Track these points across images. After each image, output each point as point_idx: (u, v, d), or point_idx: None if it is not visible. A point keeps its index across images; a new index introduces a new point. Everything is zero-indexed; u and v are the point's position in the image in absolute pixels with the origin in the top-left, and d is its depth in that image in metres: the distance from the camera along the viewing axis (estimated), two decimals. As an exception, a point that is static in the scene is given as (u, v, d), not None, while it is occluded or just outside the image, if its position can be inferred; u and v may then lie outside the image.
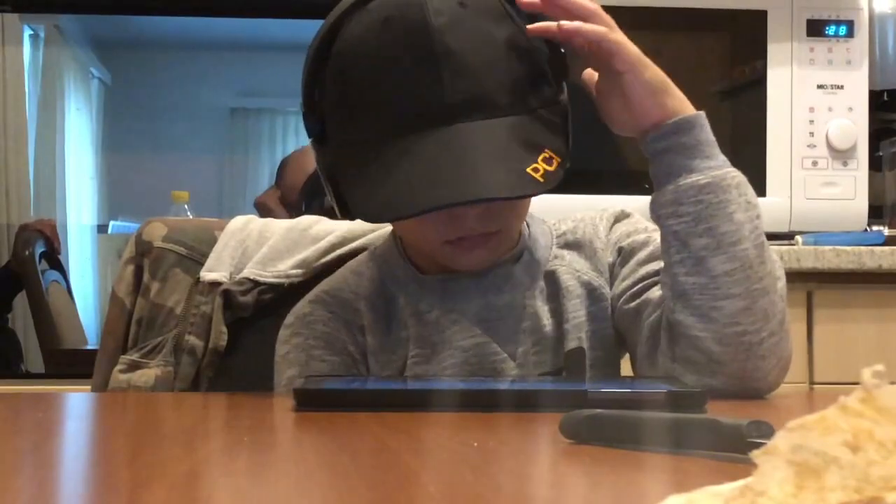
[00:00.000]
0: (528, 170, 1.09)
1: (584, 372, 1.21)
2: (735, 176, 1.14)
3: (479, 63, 1.12)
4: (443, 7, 1.12)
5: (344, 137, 1.16)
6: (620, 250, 1.27)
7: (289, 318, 1.27)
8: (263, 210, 2.91)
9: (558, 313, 1.24)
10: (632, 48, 1.16)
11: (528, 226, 1.29)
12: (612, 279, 1.27)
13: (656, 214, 1.16)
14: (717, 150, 1.15)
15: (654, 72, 1.18)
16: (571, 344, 1.22)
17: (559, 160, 1.13)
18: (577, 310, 1.24)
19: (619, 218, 1.31)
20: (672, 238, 1.13)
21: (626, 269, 1.25)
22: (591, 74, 1.21)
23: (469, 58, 1.11)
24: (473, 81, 1.11)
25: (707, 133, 1.16)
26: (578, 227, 1.30)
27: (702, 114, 1.17)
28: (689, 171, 1.13)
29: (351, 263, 1.33)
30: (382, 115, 1.12)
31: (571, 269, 1.26)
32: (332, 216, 1.37)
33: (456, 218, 1.15)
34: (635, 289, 1.23)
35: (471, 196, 1.08)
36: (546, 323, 1.23)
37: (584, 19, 1.15)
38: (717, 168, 1.14)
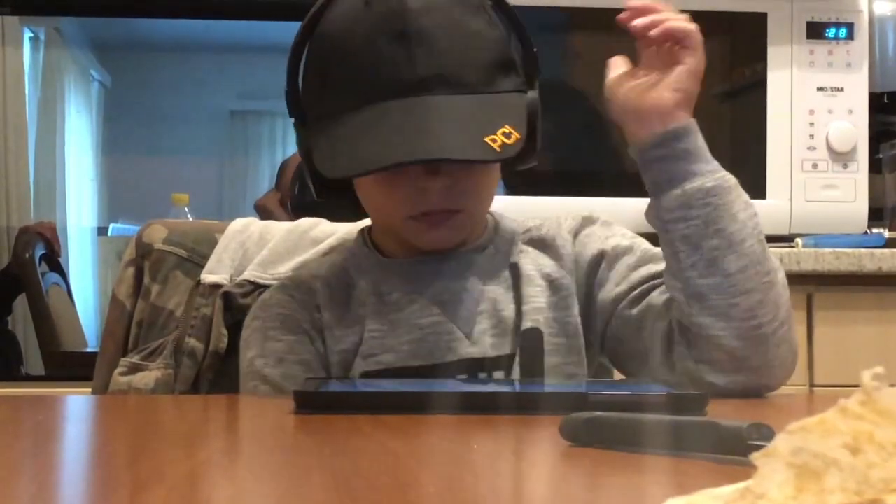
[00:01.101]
0: (486, 139, 1.14)
1: (540, 353, 1.23)
2: (730, 177, 1.19)
3: (449, 44, 1.18)
4: None
5: (320, 111, 1.22)
6: (603, 253, 1.28)
7: (253, 307, 1.32)
8: (263, 213, 2.91)
9: (518, 299, 1.26)
10: (702, 59, 1.26)
11: (496, 222, 1.32)
12: (590, 280, 1.28)
13: (660, 220, 1.17)
14: (710, 154, 1.19)
15: (695, 86, 1.26)
16: (528, 325, 1.24)
17: (518, 136, 1.16)
18: (536, 296, 1.26)
19: (589, 222, 1.33)
20: (681, 242, 1.15)
21: (615, 274, 1.26)
22: (615, 64, 1.24)
23: (440, 38, 1.17)
24: (443, 60, 1.17)
25: (701, 139, 1.20)
26: (543, 225, 1.33)
27: (693, 120, 1.21)
28: (693, 175, 1.16)
29: (319, 251, 1.39)
30: (355, 87, 1.18)
31: (535, 263, 1.28)
32: (326, 214, 1.39)
33: (421, 192, 1.18)
34: (634, 294, 1.23)
35: (426, 155, 1.13)
36: (505, 307, 1.25)
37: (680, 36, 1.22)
38: (717, 171, 1.18)
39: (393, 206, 1.22)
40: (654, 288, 1.22)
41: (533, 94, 1.23)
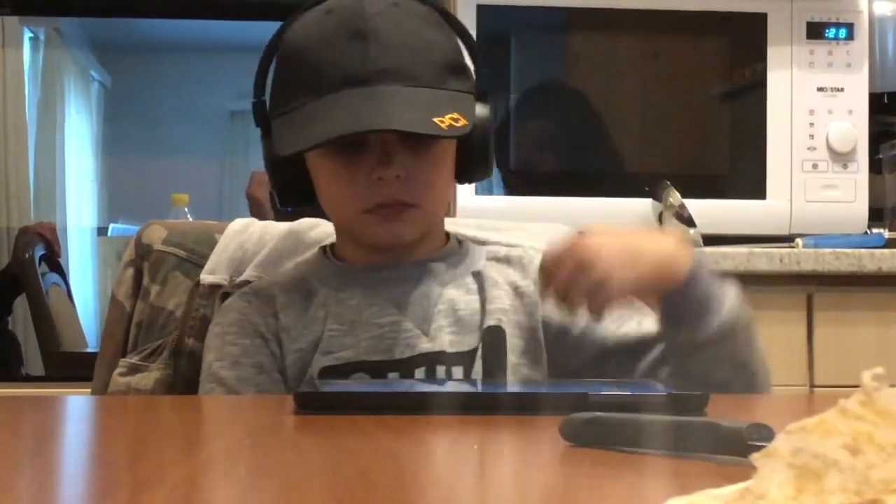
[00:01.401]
0: (435, 119, 1.19)
1: (502, 351, 1.25)
2: (735, 290, 1.24)
3: (403, 43, 1.24)
4: (379, 2, 1.25)
5: (282, 108, 1.27)
6: None
7: (215, 313, 1.35)
8: (253, 204, 2.91)
9: (482, 300, 1.28)
10: (629, 276, 1.16)
11: (458, 241, 1.36)
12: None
13: (693, 346, 1.19)
14: (718, 279, 1.22)
15: (643, 266, 1.17)
16: (490, 323, 1.26)
17: (466, 122, 1.21)
18: (500, 297, 1.28)
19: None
20: (713, 362, 1.19)
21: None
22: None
23: (395, 38, 1.23)
24: (397, 56, 1.23)
25: (708, 263, 1.23)
26: (514, 250, 1.35)
27: (696, 254, 1.22)
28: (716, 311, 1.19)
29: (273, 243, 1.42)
30: (314, 80, 1.23)
31: (500, 273, 1.31)
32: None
33: (375, 184, 1.22)
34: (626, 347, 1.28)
35: (373, 126, 1.19)
36: (464, 307, 1.27)
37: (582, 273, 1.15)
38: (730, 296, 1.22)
39: (349, 199, 1.25)
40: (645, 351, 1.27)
41: (483, 106, 1.27)
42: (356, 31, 1.23)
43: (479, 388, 1.16)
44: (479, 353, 1.25)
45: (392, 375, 1.22)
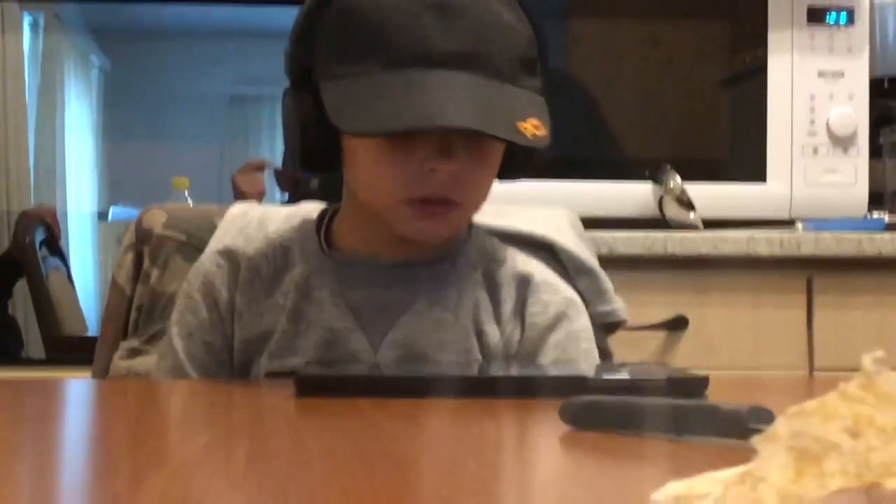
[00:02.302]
0: (518, 124, 1.11)
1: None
2: None
3: (485, 25, 1.14)
4: None
5: (337, 71, 1.16)
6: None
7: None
8: (235, 189, 2.92)
9: (449, 318, 1.22)
10: None
11: (469, 230, 1.28)
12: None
13: None
14: None
15: None
16: (447, 351, 1.20)
17: (546, 133, 1.14)
18: (466, 333, 1.21)
19: (565, 321, 1.26)
20: None
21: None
22: None
23: (476, 17, 1.14)
24: (478, 39, 1.13)
25: None
26: (508, 255, 1.28)
27: None
28: None
29: (274, 226, 1.34)
30: (382, 48, 1.13)
31: (473, 307, 1.23)
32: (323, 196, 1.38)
33: (427, 175, 1.14)
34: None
35: (461, 123, 1.09)
36: (426, 323, 1.21)
37: None
38: None
39: (393, 186, 1.16)
40: None
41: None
42: (438, 2, 1.12)
43: (479, 372, 1.16)
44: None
45: None
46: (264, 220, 1.44)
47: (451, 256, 1.25)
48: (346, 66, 1.15)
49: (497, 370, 1.20)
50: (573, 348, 1.24)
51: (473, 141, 1.15)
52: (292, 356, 1.19)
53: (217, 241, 1.43)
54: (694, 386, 0.97)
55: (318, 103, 1.16)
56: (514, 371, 1.17)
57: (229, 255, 1.27)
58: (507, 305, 1.24)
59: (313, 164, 1.24)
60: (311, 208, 1.45)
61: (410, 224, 1.17)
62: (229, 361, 1.24)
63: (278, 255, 1.26)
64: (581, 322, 1.26)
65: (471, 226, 1.29)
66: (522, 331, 1.24)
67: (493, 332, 1.23)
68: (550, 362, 1.23)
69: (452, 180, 1.14)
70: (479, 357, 1.21)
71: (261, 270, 1.25)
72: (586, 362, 1.24)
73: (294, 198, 1.46)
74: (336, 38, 1.17)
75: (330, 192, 1.33)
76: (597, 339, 1.29)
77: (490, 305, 1.24)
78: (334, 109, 1.14)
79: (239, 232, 1.43)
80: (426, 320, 1.21)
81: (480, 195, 1.21)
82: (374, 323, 1.20)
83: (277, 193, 2.89)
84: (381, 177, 1.17)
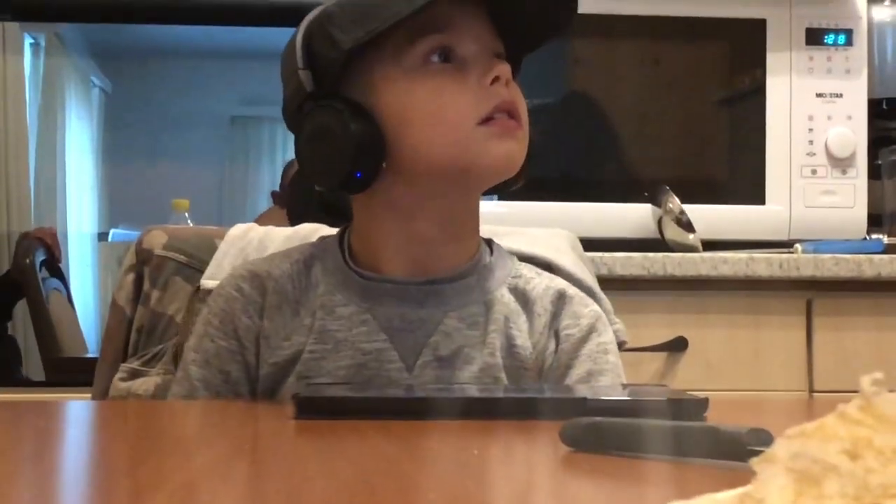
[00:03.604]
0: None
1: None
2: None
3: None
4: None
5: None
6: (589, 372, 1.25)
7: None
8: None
9: (478, 333, 1.21)
10: None
11: (491, 250, 1.27)
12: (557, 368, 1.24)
13: None
14: None
15: None
16: (474, 368, 1.20)
17: None
18: (494, 353, 1.21)
19: (594, 333, 1.26)
20: None
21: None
22: None
23: None
24: None
25: None
26: (533, 285, 1.27)
27: None
28: None
29: (294, 246, 1.32)
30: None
31: (506, 315, 1.23)
32: (325, 219, 1.38)
33: (489, 89, 1.15)
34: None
35: None
36: (458, 341, 1.20)
37: None
38: None
39: (462, 107, 1.15)
40: None
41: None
42: None
43: (479, 394, 1.15)
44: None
45: None
46: (264, 240, 1.45)
47: (474, 272, 1.24)
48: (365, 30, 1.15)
49: (522, 387, 1.19)
50: (602, 360, 1.24)
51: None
52: (320, 377, 1.18)
53: (217, 263, 1.43)
54: (693, 407, 0.97)
55: (346, 108, 1.16)
56: (514, 393, 1.17)
57: (252, 279, 1.24)
58: (542, 319, 1.24)
59: (357, 177, 1.19)
60: (311, 229, 1.45)
61: (491, 148, 1.16)
62: (248, 392, 1.22)
63: (302, 273, 1.24)
64: (608, 335, 1.27)
65: (490, 242, 1.29)
66: (557, 343, 1.24)
67: (525, 346, 1.22)
68: (583, 373, 1.22)
69: (512, 93, 1.17)
70: (503, 374, 1.20)
71: (287, 292, 1.22)
72: (614, 374, 1.24)
73: (293, 220, 1.46)
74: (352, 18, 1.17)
75: (332, 214, 1.33)
76: None
77: (524, 320, 1.23)
78: (336, 28, 1.15)
79: (239, 253, 1.43)
80: (458, 338, 1.20)
81: (527, 120, 1.20)
82: (407, 341, 1.19)
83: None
84: (448, 107, 1.16)
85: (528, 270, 1.28)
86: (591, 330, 1.25)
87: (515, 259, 1.30)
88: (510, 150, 1.16)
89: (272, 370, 1.20)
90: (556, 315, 1.25)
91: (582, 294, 1.28)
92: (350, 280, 1.22)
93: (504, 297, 1.24)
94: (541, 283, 1.26)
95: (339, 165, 1.16)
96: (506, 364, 1.21)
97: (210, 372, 1.22)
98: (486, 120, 1.15)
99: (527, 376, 1.21)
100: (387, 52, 1.17)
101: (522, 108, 1.18)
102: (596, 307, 1.28)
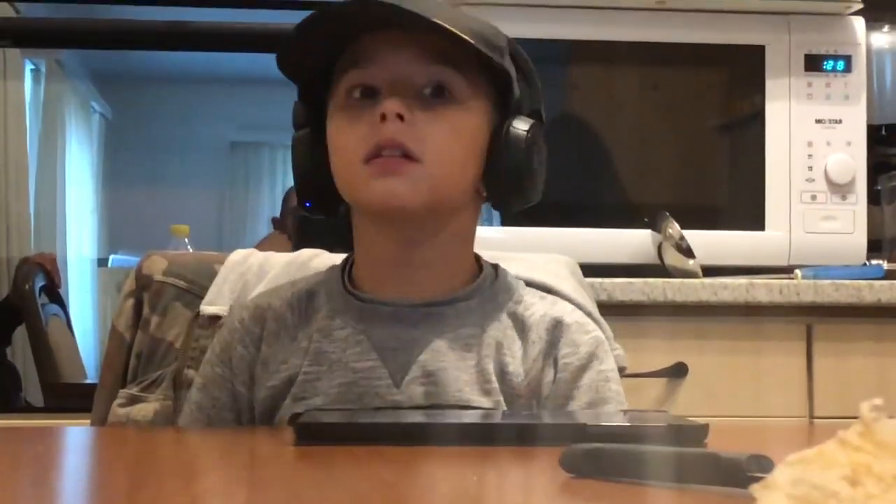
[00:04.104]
0: (466, 35, 1.14)
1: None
2: None
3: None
4: None
5: None
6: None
7: None
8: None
9: (469, 354, 1.21)
10: None
11: (495, 276, 1.27)
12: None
13: None
14: None
15: None
16: (462, 387, 1.19)
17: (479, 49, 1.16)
18: (488, 374, 1.20)
19: (595, 361, 1.26)
20: None
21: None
22: None
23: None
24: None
25: None
26: (535, 300, 1.27)
27: None
28: None
29: (306, 276, 1.34)
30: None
31: (503, 351, 1.22)
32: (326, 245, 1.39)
33: (379, 125, 1.15)
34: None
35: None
36: (448, 359, 1.20)
37: None
38: None
39: (350, 146, 1.17)
40: None
41: (525, 121, 1.21)
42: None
43: (479, 420, 1.15)
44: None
45: None
46: (264, 266, 1.45)
47: (475, 295, 1.24)
48: None
49: (521, 413, 1.19)
50: (604, 389, 1.24)
51: (428, 104, 1.17)
52: (315, 397, 1.19)
53: (217, 288, 1.43)
54: (694, 433, 0.97)
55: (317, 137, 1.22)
56: (514, 419, 1.17)
57: (254, 310, 1.27)
58: (537, 347, 1.24)
59: (316, 199, 1.26)
60: (311, 254, 1.45)
61: (372, 186, 1.16)
62: (232, 419, 1.24)
63: (303, 301, 1.26)
64: (609, 362, 1.26)
65: (496, 267, 1.29)
66: (555, 372, 1.24)
67: (517, 372, 1.22)
68: (584, 404, 1.22)
69: (405, 128, 1.15)
70: (500, 397, 1.20)
71: (286, 320, 1.25)
72: (616, 402, 1.23)
73: (295, 245, 1.46)
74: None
75: (333, 240, 1.34)
76: None
77: (519, 346, 1.23)
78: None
79: (239, 278, 1.43)
80: (448, 358, 1.20)
81: (444, 156, 1.18)
82: (396, 360, 1.20)
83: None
84: (342, 145, 1.19)
85: (530, 296, 1.28)
86: (591, 358, 1.24)
87: (523, 284, 1.30)
88: (389, 188, 1.16)
89: (270, 393, 1.22)
90: (552, 343, 1.24)
91: (583, 320, 1.28)
92: (349, 304, 1.24)
93: (502, 321, 1.24)
94: (539, 310, 1.26)
95: (297, 193, 1.26)
96: (501, 389, 1.21)
97: (205, 396, 1.26)
98: (372, 157, 1.16)
99: (518, 403, 1.21)
100: (332, 87, 1.22)
101: (422, 143, 1.16)
102: (598, 332, 1.28)
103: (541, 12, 2.23)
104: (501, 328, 1.23)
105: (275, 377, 1.22)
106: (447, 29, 1.13)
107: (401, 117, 1.15)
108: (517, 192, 1.23)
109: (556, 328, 1.25)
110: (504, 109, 1.23)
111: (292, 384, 1.21)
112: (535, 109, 1.25)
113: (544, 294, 1.30)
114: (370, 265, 1.26)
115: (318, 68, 1.22)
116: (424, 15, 1.12)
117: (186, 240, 2.73)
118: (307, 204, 1.26)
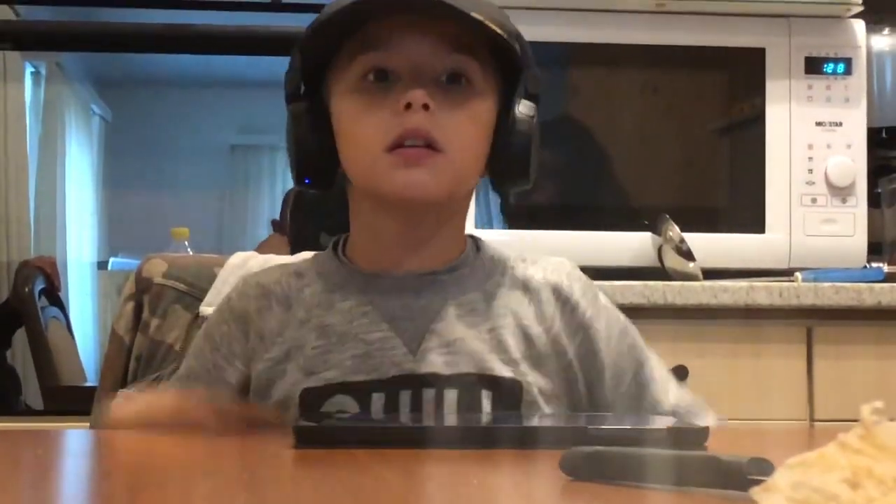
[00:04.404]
0: (488, 21, 1.14)
1: (517, 407, 1.19)
2: None
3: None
4: None
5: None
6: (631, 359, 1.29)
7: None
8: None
9: (481, 320, 1.22)
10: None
11: (477, 247, 1.28)
12: (593, 365, 1.26)
13: None
14: None
15: None
16: (507, 376, 1.20)
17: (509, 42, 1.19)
18: (505, 341, 1.22)
19: (585, 290, 1.29)
20: None
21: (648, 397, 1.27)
22: None
23: None
24: None
25: None
26: (528, 263, 1.29)
27: None
28: None
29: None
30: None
31: (514, 310, 1.24)
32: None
33: (402, 114, 1.14)
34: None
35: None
36: (461, 327, 1.21)
37: None
38: None
39: (370, 135, 1.16)
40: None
41: (528, 105, 1.22)
42: None
43: (479, 423, 1.15)
44: (488, 397, 1.18)
45: (377, 396, 1.16)
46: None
47: (467, 263, 1.25)
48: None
49: (520, 415, 1.19)
50: (631, 331, 1.30)
51: (448, 94, 1.17)
52: (327, 371, 1.18)
53: (217, 291, 1.44)
54: (694, 436, 0.97)
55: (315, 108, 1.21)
56: (514, 422, 1.16)
57: (241, 288, 1.27)
58: (549, 307, 1.25)
59: (315, 175, 1.25)
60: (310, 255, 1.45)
61: (394, 176, 1.16)
62: (236, 389, 1.23)
63: (292, 278, 1.25)
64: (593, 291, 1.30)
65: (474, 238, 1.29)
66: (572, 326, 1.25)
67: (538, 333, 1.23)
68: (617, 335, 1.27)
69: (430, 118, 1.15)
70: (521, 365, 1.21)
71: (277, 293, 1.24)
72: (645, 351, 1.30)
73: (295, 246, 1.47)
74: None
75: (327, 230, 1.34)
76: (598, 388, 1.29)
77: (530, 307, 1.24)
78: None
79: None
80: (460, 325, 1.21)
81: (466, 145, 1.19)
82: (408, 328, 1.20)
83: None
84: (360, 131, 1.18)
85: (517, 261, 1.28)
86: (598, 302, 1.29)
87: (504, 252, 1.30)
88: (413, 179, 1.16)
89: (268, 365, 1.21)
90: (563, 302, 1.26)
91: (568, 272, 1.30)
92: (350, 277, 1.23)
93: (504, 285, 1.25)
94: (538, 274, 1.27)
95: (294, 169, 1.23)
96: (528, 354, 1.21)
97: (190, 363, 1.26)
98: (395, 147, 1.15)
99: (547, 363, 1.22)
100: (338, 67, 1.20)
101: (445, 133, 1.16)
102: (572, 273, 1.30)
103: (541, 15, 2.23)
104: (507, 293, 1.24)
105: (273, 349, 1.21)
106: (473, 17, 1.13)
107: (426, 107, 1.14)
108: (521, 176, 1.24)
109: (557, 290, 1.26)
110: (508, 92, 1.23)
111: (290, 359, 1.20)
112: (534, 94, 1.25)
113: (524, 257, 1.30)
114: (370, 242, 1.25)
115: (328, 45, 1.21)
116: (448, 2, 1.12)
117: (186, 242, 2.73)
118: (307, 181, 1.24)
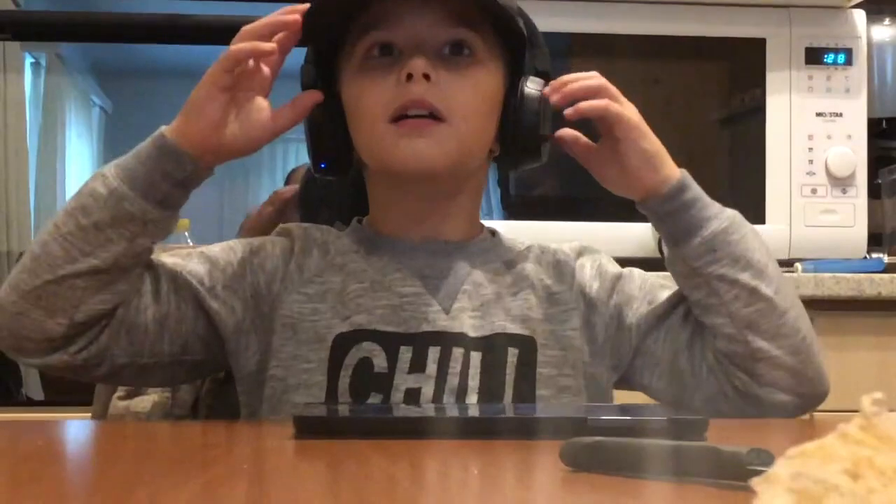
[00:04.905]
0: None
1: (532, 363, 1.21)
2: (733, 212, 1.25)
3: None
4: None
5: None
6: (620, 274, 1.33)
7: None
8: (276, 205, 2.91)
9: (506, 286, 1.25)
10: (632, 118, 1.24)
11: (494, 232, 1.32)
12: (615, 299, 1.29)
13: (689, 266, 1.21)
14: (707, 196, 1.25)
15: (651, 140, 1.26)
16: (516, 327, 1.22)
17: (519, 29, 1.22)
18: (529, 299, 1.24)
19: (591, 250, 1.36)
20: (718, 281, 1.19)
21: (642, 293, 1.31)
22: (574, 137, 1.27)
23: None
24: None
25: (697, 186, 1.25)
26: (541, 246, 1.32)
27: (684, 171, 1.26)
28: (706, 220, 1.21)
29: None
30: None
31: (534, 273, 1.27)
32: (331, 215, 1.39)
33: (404, 85, 1.16)
34: (678, 313, 1.28)
35: None
36: (489, 291, 1.24)
37: (592, 96, 1.22)
38: (723, 210, 1.23)
39: (375, 104, 1.18)
40: (688, 311, 1.26)
41: (536, 81, 1.24)
42: None
43: (479, 413, 1.15)
44: (509, 359, 1.20)
45: (404, 349, 1.17)
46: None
47: (486, 241, 1.30)
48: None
49: (520, 406, 1.19)
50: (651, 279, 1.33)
51: (449, 64, 1.19)
52: (358, 315, 1.19)
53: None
54: (694, 427, 0.97)
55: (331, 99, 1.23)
56: (514, 412, 1.16)
57: (281, 231, 1.29)
58: (568, 266, 1.30)
59: (331, 161, 1.27)
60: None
61: (399, 146, 1.18)
62: (191, 315, 1.22)
63: (329, 234, 1.28)
64: (599, 258, 1.36)
65: (493, 231, 1.33)
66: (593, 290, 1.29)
67: (560, 291, 1.27)
68: (638, 285, 1.31)
69: (431, 87, 1.16)
70: (537, 324, 1.23)
71: (314, 237, 1.26)
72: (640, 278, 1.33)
73: (305, 218, 1.48)
74: None
75: (334, 206, 1.35)
76: (601, 380, 1.29)
77: (550, 269, 1.29)
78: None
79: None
80: (488, 287, 1.24)
81: (469, 114, 1.20)
82: (440, 287, 1.23)
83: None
84: (364, 104, 1.20)
85: (536, 244, 1.32)
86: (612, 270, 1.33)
87: (515, 239, 1.34)
88: (418, 149, 1.17)
89: (301, 299, 1.21)
90: (580, 254, 1.32)
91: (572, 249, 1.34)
92: (377, 244, 1.26)
93: (524, 262, 1.28)
94: (553, 247, 1.31)
95: (311, 155, 1.26)
96: (548, 314, 1.24)
97: (221, 252, 1.27)
98: (398, 118, 1.17)
99: (573, 316, 1.25)
100: (346, 52, 1.23)
101: (447, 102, 1.18)
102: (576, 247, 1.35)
103: (541, 5, 2.23)
104: (526, 264, 1.28)
105: (309, 287, 1.22)
106: None
107: (427, 77, 1.16)
108: (530, 152, 1.26)
109: (576, 252, 1.33)
110: (515, 70, 1.25)
111: (324, 299, 1.21)
112: (543, 70, 1.26)
113: (530, 243, 1.33)
114: (389, 219, 1.28)
115: (331, 31, 1.23)
116: None
117: (187, 233, 2.72)
118: (322, 165, 1.26)
